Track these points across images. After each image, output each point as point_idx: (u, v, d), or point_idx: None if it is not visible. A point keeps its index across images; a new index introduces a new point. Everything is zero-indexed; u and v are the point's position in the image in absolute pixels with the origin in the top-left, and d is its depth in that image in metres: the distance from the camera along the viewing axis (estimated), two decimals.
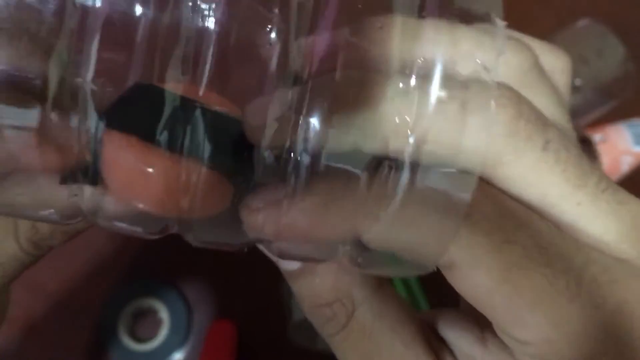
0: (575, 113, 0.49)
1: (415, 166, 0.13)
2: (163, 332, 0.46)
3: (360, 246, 0.14)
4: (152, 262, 0.49)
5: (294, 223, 0.13)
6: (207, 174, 0.13)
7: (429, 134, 0.13)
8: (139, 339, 0.47)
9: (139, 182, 0.12)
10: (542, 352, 0.14)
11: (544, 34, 0.51)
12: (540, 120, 0.15)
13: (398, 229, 0.14)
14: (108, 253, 0.49)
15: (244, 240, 0.15)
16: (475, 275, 0.14)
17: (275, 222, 0.13)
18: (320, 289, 0.17)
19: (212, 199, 0.13)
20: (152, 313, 0.48)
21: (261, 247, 0.17)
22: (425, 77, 0.13)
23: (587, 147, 0.53)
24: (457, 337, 0.18)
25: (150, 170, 0.12)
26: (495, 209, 0.14)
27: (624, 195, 0.16)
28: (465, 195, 0.13)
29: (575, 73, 0.47)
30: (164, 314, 0.47)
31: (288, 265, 0.17)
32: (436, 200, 0.13)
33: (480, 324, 0.17)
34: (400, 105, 0.13)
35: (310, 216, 0.13)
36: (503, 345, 0.16)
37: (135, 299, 0.47)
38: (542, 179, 0.15)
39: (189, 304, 0.48)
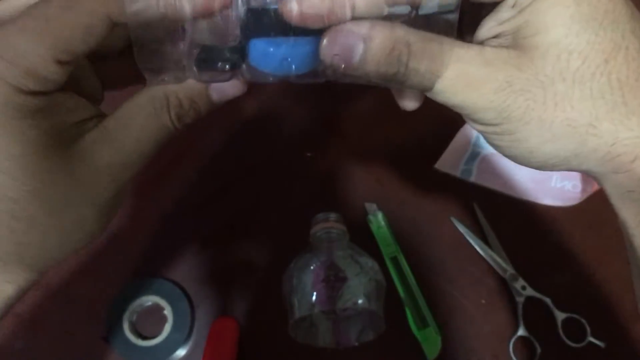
0: None
1: None
2: (167, 329, 0.47)
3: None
4: (156, 260, 0.50)
5: None
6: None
7: None
8: (143, 336, 0.48)
9: None
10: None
11: None
12: None
13: None
14: (113, 251, 0.50)
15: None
16: None
17: None
18: (384, 42, 0.24)
19: None
20: (156, 310, 0.48)
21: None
22: None
23: None
24: None
25: None
26: None
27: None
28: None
29: None
30: (167, 311, 0.48)
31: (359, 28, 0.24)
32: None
33: None
34: None
35: None
36: None
37: (140, 296, 0.48)
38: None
39: (192, 302, 0.49)
